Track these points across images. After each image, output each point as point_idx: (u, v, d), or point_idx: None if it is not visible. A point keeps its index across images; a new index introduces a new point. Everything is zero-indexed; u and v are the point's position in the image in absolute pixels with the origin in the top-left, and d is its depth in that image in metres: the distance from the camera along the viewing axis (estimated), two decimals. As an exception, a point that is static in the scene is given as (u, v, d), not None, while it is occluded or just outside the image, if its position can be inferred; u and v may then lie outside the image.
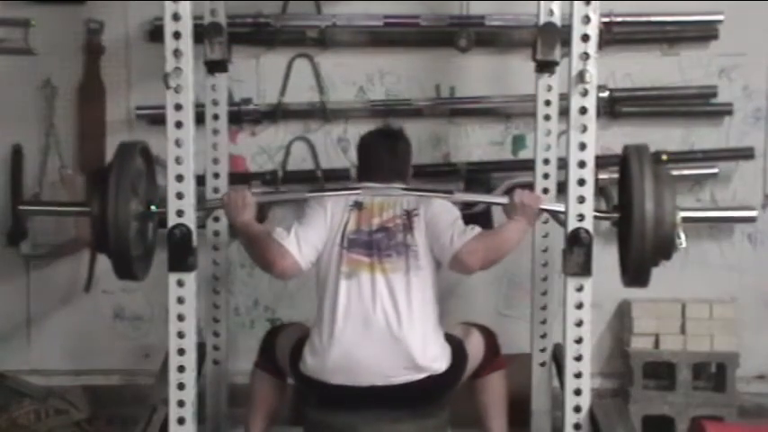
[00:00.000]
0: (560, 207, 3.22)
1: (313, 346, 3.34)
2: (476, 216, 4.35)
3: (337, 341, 3.29)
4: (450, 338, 3.42)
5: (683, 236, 3.12)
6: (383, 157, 3.57)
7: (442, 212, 3.42)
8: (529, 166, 4.07)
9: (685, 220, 3.14)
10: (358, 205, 3.44)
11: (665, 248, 3.13)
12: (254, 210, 3.42)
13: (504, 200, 3.43)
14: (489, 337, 3.60)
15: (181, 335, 3.11)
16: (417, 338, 3.29)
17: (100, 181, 3.16)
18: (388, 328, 3.28)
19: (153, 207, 3.28)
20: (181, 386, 3.12)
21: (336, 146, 4.50)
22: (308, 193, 3.67)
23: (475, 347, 3.51)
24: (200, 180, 3.72)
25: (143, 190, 3.26)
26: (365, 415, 3.32)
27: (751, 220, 4.35)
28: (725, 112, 4.47)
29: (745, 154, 4.45)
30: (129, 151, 3.23)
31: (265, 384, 3.59)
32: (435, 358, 3.33)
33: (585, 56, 3.05)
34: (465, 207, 4.34)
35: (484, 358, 3.55)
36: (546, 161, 3.97)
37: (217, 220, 4.05)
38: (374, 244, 3.37)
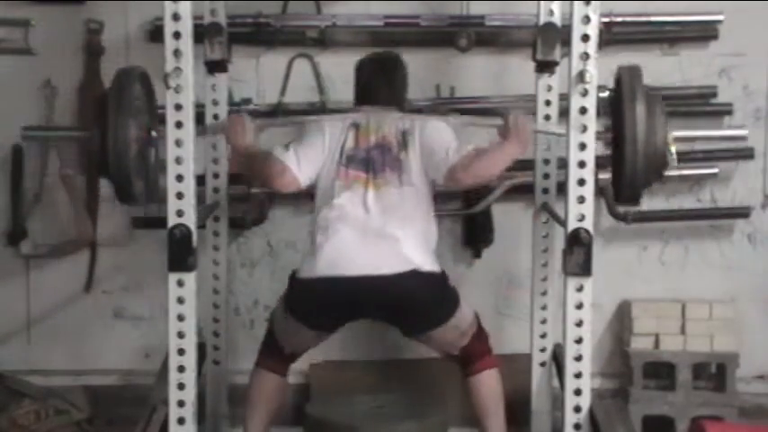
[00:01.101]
0: (554, 128, 3.25)
1: (308, 252, 3.47)
2: (476, 216, 4.37)
3: (331, 239, 3.40)
4: (447, 277, 3.51)
5: (674, 153, 3.15)
6: (379, 85, 3.65)
7: (436, 132, 3.51)
8: (529, 166, 4.07)
9: (677, 139, 3.19)
10: (355, 125, 3.53)
11: (657, 165, 3.15)
12: (254, 133, 3.50)
13: (499, 121, 3.47)
14: (483, 333, 3.62)
15: (181, 335, 3.12)
16: (407, 237, 3.40)
17: (99, 106, 3.17)
18: (380, 228, 3.39)
19: (153, 132, 3.29)
20: (181, 386, 3.12)
21: (336, 146, 4.49)
22: (307, 117, 3.72)
23: (468, 319, 3.55)
24: (201, 180, 3.72)
25: (143, 115, 3.28)
26: (365, 414, 3.33)
27: (744, 214, 4.36)
28: (725, 112, 4.47)
29: (745, 154, 4.45)
30: (128, 77, 3.26)
31: (266, 384, 3.59)
32: (423, 257, 3.41)
33: (585, 56, 3.05)
34: (465, 207, 4.37)
35: (472, 346, 3.55)
36: (546, 161, 3.98)
37: (217, 220, 4.05)
38: (370, 160, 3.47)
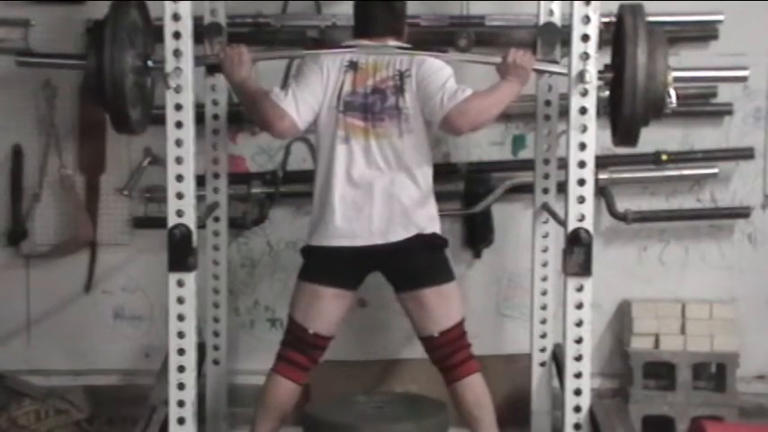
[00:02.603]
0: (554, 67, 3.23)
1: (315, 217, 3.50)
2: (476, 216, 4.37)
3: (337, 207, 3.43)
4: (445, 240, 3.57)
5: (673, 94, 3.15)
6: (378, 13, 3.61)
7: (433, 72, 3.47)
8: (529, 166, 4.07)
9: (676, 79, 3.19)
10: (353, 65, 3.50)
11: (656, 104, 3.16)
12: (251, 66, 3.49)
13: (497, 60, 3.45)
14: (466, 335, 3.56)
15: (181, 335, 3.12)
16: (411, 197, 3.44)
17: (95, 33, 3.17)
18: (385, 189, 3.42)
19: (150, 62, 3.28)
20: (181, 386, 3.12)
21: (336, 146, 4.49)
22: (305, 51, 3.70)
23: (458, 302, 3.57)
24: (201, 180, 3.72)
25: (140, 44, 3.29)
26: (365, 414, 3.33)
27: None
28: (725, 112, 4.47)
29: (745, 154, 4.45)
30: (124, 5, 3.26)
31: (281, 391, 3.52)
32: (427, 219, 3.48)
33: (585, 56, 3.05)
34: (465, 207, 4.37)
35: (454, 331, 3.51)
36: (546, 161, 3.98)
37: (217, 220, 4.05)
38: (368, 107, 3.47)
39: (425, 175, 3.51)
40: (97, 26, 3.25)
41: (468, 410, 3.52)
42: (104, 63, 3.14)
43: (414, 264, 3.48)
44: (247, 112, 3.58)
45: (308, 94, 3.46)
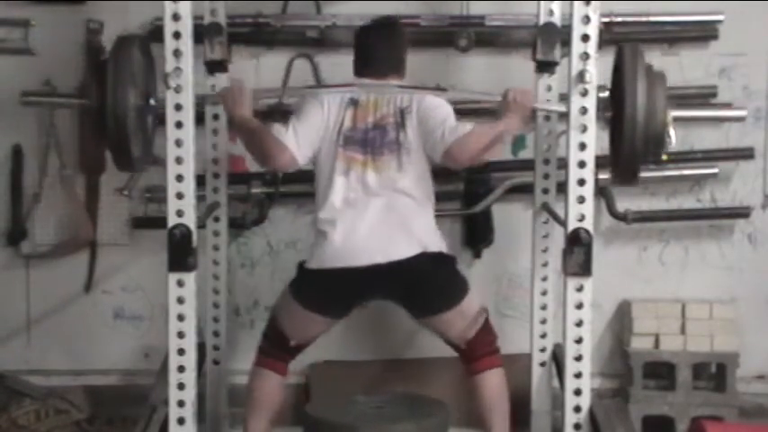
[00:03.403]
0: (555, 107, 3.24)
1: (315, 240, 3.47)
2: (476, 216, 4.37)
3: (337, 227, 3.40)
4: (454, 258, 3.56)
5: (673, 133, 3.15)
6: (378, 50, 3.64)
7: (434, 108, 3.49)
8: (529, 166, 4.07)
9: (676, 118, 3.19)
10: (354, 102, 3.52)
11: (656, 143, 3.16)
12: (252, 103, 3.49)
13: (497, 97, 3.47)
14: (492, 330, 3.62)
15: (181, 335, 3.12)
16: (411, 215, 3.43)
17: (98, 71, 3.17)
18: (383, 207, 3.41)
19: (152, 100, 3.29)
20: (181, 386, 3.12)
21: (336, 146, 4.49)
22: (306, 88, 3.71)
23: (476, 309, 3.57)
24: (201, 180, 3.72)
25: (142, 82, 3.28)
26: (365, 414, 3.33)
27: (744, 214, 4.34)
28: (725, 111, 4.47)
29: (745, 154, 4.45)
30: (127, 43, 3.26)
31: (266, 383, 3.59)
32: (429, 236, 3.45)
33: (585, 56, 3.06)
34: (465, 207, 4.37)
35: (480, 336, 3.55)
36: (546, 161, 3.98)
37: (217, 220, 4.05)
38: (368, 142, 3.47)
39: (426, 199, 3.50)
40: (100, 64, 3.26)
41: (486, 404, 3.56)
42: (107, 101, 3.14)
43: (427, 289, 3.46)
44: (247, 148, 3.57)
45: (308, 130, 3.48)
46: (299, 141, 3.46)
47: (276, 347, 3.59)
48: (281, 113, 4.41)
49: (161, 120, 3.18)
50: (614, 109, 3.22)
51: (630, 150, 3.13)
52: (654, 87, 3.14)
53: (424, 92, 3.54)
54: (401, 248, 3.38)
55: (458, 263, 3.57)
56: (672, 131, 3.17)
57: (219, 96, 3.53)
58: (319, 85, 3.87)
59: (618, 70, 3.23)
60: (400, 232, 3.40)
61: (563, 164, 3.35)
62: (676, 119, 3.19)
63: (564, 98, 3.36)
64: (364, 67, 3.64)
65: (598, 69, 3.10)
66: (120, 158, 3.25)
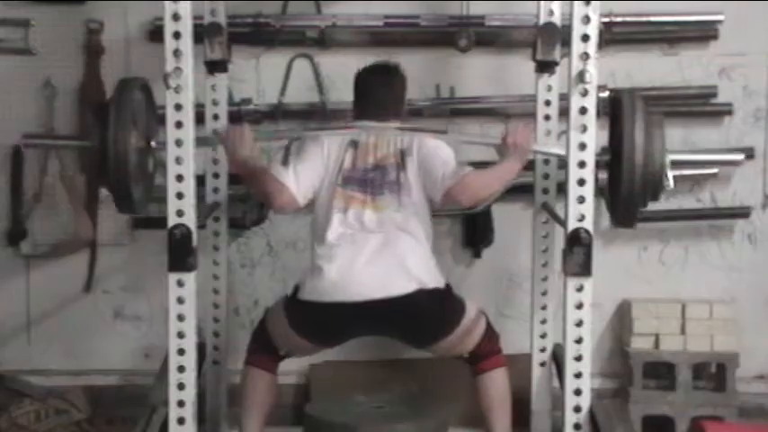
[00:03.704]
0: (553, 149, 3.25)
1: (310, 272, 3.45)
2: (476, 216, 4.36)
3: (333, 261, 3.39)
4: (451, 288, 3.53)
5: (671, 176, 3.16)
6: (379, 93, 3.65)
7: (434, 150, 3.51)
8: (529, 166, 4.06)
9: (674, 162, 3.18)
10: (354, 144, 3.53)
11: (653, 187, 3.16)
12: (253, 145, 3.48)
13: (497, 140, 3.48)
14: (493, 332, 3.64)
15: (181, 335, 3.11)
16: (409, 253, 3.41)
17: (100, 114, 3.17)
18: (381, 244, 3.40)
19: (153, 143, 3.29)
20: (181, 386, 3.12)
21: (336, 146, 4.49)
22: (306, 131, 3.72)
23: (476, 321, 3.56)
24: (201, 180, 3.72)
25: (143, 125, 3.29)
26: (365, 414, 3.33)
27: (744, 214, 4.35)
28: (725, 112, 4.47)
29: (745, 154, 4.44)
30: (129, 86, 3.26)
31: (259, 383, 3.59)
32: (427, 273, 3.42)
33: (585, 56, 3.05)
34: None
35: (482, 345, 3.56)
36: (546, 161, 3.98)
37: (217, 220, 4.05)
38: (368, 182, 3.48)
39: (425, 237, 3.49)
40: (102, 106, 3.26)
41: (489, 403, 3.57)
42: (108, 143, 3.13)
43: (424, 325, 3.46)
44: (248, 188, 3.61)
45: (308, 170, 3.49)
46: (298, 182, 3.46)
47: (265, 352, 3.60)
48: (282, 114, 4.44)
49: (162, 162, 3.19)
50: (612, 153, 3.23)
51: (629, 194, 3.14)
52: (652, 131, 3.14)
53: (424, 134, 3.55)
54: (398, 285, 3.37)
55: (451, 288, 3.54)
56: (670, 175, 3.17)
57: (221, 138, 3.54)
58: (320, 128, 3.90)
59: (616, 114, 3.23)
60: (397, 269, 3.38)
61: (563, 164, 3.35)
62: (674, 162, 3.20)
63: (564, 98, 3.36)
64: (364, 110, 3.65)
65: (598, 69, 3.10)
66: (121, 201, 3.23)
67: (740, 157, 3.83)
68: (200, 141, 3.39)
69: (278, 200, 3.46)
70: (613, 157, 3.22)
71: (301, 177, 3.48)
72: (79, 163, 4.36)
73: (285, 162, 3.53)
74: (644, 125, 3.12)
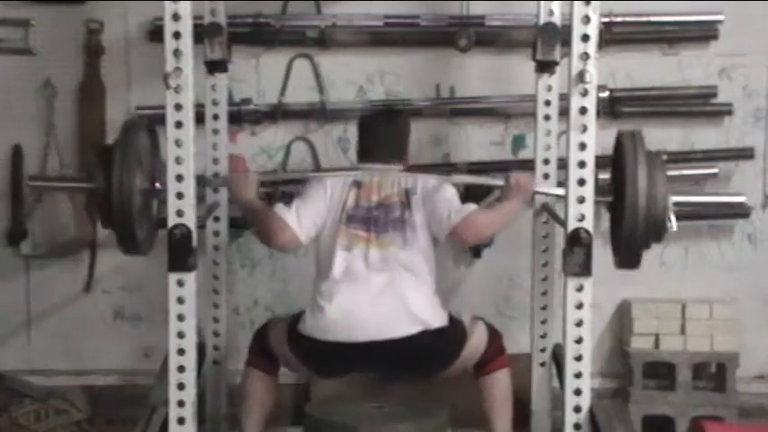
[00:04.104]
0: (554, 190, 3.26)
1: (315, 305, 3.42)
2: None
3: (335, 299, 3.37)
4: (453, 317, 3.49)
5: (673, 219, 3.16)
6: (382, 137, 3.64)
7: (438, 190, 3.52)
8: (529, 166, 4.06)
9: (676, 204, 3.18)
10: (357, 183, 3.53)
11: (656, 230, 3.17)
12: (257, 188, 3.51)
13: (500, 182, 3.52)
14: (495, 333, 3.63)
15: (181, 335, 3.11)
16: (414, 294, 3.39)
17: (105, 156, 3.18)
18: (385, 284, 3.38)
19: (157, 184, 3.29)
20: (181, 386, 3.12)
21: (336, 146, 4.50)
22: (310, 173, 3.73)
23: (477, 337, 3.55)
24: (201, 180, 3.72)
25: (147, 166, 3.29)
26: (365, 412, 3.33)
27: (742, 208, 4.34)
28: (725, 112, 4.47)
29: (745, 154, 4.45)
30: (134, 127, 3.27)
31: (258, 384, 3.60)
32: (432, 314, 3.40)
33: (585, 56, 3.05)
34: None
35: (487, 350, 3.56)
36: (546, 161, 3.97)
37: (217, 219, 4.05)
38: (372, 220, 3.47)
39: (429, 274, 3.47)
40: (107, 148, 3.27)
41: (491, 404, 3.57)
42: (113, 186, 3.13)
43: (429, 364, 3.46)
44: (251, 227, 3.63)
45: (310, 210, 3.48)
46: (300, 221, 3.46)
47: (266, 357, 3.60)
48: (282, 114, 4.44)
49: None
50: (615, 194, 3.24)
51: (631, 236, 3.14)
52: (654, 173, 3.15)
53: (428, 176, 3.58)
54: (401, 327, 3.35)
55: (454, 319, 3.50)
56: (673, 217, 3.18)
57: (225, 181, 3.55)
58: (323, 170, 3.92)
59: (618, 156, 3.23)
60: (401, 311, 3.36)
61: (563, 164, 3.35)
62: (677, 204, 3.20)
63: (564, 98, 3.36)
64: (367, 154, 3.65)
65: (598, 69, 3.10)
66: (125, 242, 3.22)
67: (742, 199, 3.80)
68: (204, 182, 3.41)
69: (279, 238, 3.45)
70: (616, 200, 3.23)
71: (303, 216, 3.46)
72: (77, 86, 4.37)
73: (288, 203, 3.50)
74: (646, 169, 3.12)
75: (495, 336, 3.62)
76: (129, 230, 3.17)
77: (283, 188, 4.36)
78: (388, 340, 3.34)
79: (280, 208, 3.49)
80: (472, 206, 3.48)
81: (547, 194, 3.57)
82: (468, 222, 3.42)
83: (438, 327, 3.40)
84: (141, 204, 3.21)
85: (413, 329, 3.35)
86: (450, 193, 3.52)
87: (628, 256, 3.23)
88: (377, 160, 3.60)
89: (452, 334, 3.46)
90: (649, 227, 3.15)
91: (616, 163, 3.27)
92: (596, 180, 3.66)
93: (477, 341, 3.54)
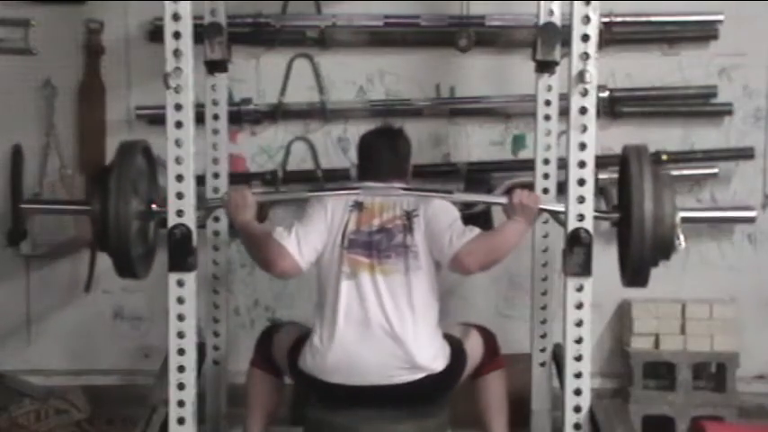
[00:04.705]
0: (560, 207, 3.23)
1: (313, 346, 3.36)
2: (476, 216, 4.36)
3: (338, 341, 3.31)
4: (449, 338, 3.44)
5: (682, 236, 3.13)
6: (383, 156, 3.58)
7: (441, 213, 3.43)
8: (529, 166, 4.07)
9: (685, 220, 3.15)
10: (358, 206, 3.45)
11: (664, 248, 3.13)
12: (255, 209, 3.44)
13: (504, 200, 3.43)
14: (488, 337, 3.61)
15: (181, 335, 3.11)
16: (417, 338, 3.32)
17: (101, 180, 3.17)
18: (388, 328, 3.30)
19: (154, 206, 3.29)
20: (181, 386, 3.12)
21: (336, 146, 4.50)
22: (309, 193, 3.69)
23: (474, 348, 3.53)
24: (200, 180, 3.72)
25: (144, 189, 3.27)
26: (365, 414, 3.32)
27: (750, 220, 4.33)
28: (725, 112, 4.47)
29: (745, 154, 4.45)
30: (131, 150, 3.24)
31: (262, 384, 3.60)
32: (435, 358, 3.35)
33: (585, 56, 3.05)
34: (465, 207, 4.36)
35: (483, 358, 3.56)
36: (546, 161, 3.97)
37: (217, 220, 4.05)
38: (374, 245, 3.39)
39: (433, 313, 3.42)
40: (103, 171, 3.25)
41: (487, 405, 3.57)
42: (109, 210, 3.11)
43: (433, 400, 3.40)
44: (249, 252, 3.53)
45: (311, 234, 3.39)
46: (300, 247, 3.36)
47: (269, 360, 3.59)
48: (282, 114, 4.44)
49: (163, 224, 3.16)
50: (622, 212, 3.22)
51: (639, 255, 3.10)
52: (661, 191, 3.10)
53: (429, 195, 3.51)
54: (403, 375, 3.31)
55: (455, 345, 3.45)
56: (681, 234, 3.15)
57: (223, 202, 3.49)
58: (323, 190, 3.87)
59: (624, 173, 3.20)
60: (403, 359, 3.30)
61: (563, 164, 3.34)
62: (685, 220, 3.17)
63: (564, 98, 3.36)
64: (368, 172, 3.58)
65: (598, 69, 3.10)
66: (121, 265, 3.21)
67: (752, 213, 3.74)
68: (203, 202, 3.41)
69: (279, 266, 3.36)
70: (623, 218, 3.20)
71: (303, 241, 3.37)
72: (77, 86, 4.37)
73: (288, 228, 3.45)
74: (653, 187, 3.08)
75: (489, 339, 3.61)
76: (125, 255, 3.16)
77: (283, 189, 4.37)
78: (390, 385, 3.30)
79: (279, 233, 3.38)
80: (475, 230, 3.38)
81: (552, 212, 3.49)
82: (469, 249, 3.33)
83: (440, 370, 3.35)
84: (138, 228, 3.21)
85: (415, 376, 3.31)
86: (452, 217, 3.43)
87: (636, 275, 3.20)
88: (378, 179, 3.53)
89: (455, 370, 3.42)
90: (657, 246, 3.10)
91: (622, 180, 3.24)
92: (605, 195, 3.67)
93: (474, 354, 3.52)
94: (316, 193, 3.62)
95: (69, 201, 4.14)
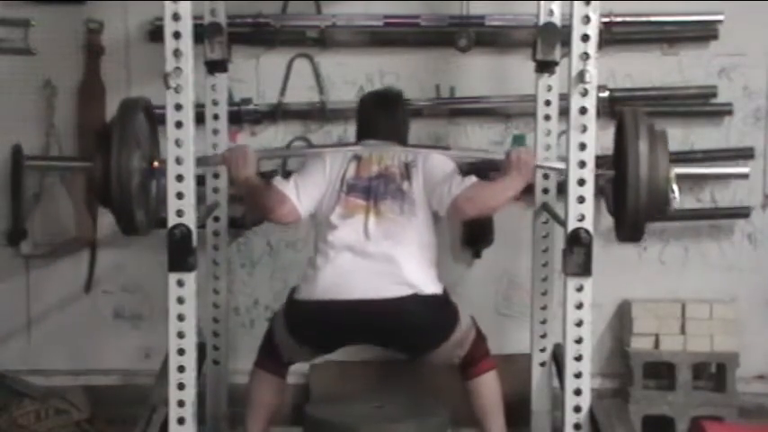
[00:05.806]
0: (556, 164, 3.27)
1: (307, 276, 3.47)
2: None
3: (330, 264, 3.41)
4: (448, 294, 3.52)
5: (676, 190, 3.16)
6: (382, 119, 3.67)
7: (439, 165, 3.54)
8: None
9: (679, 176, 3.18)
10: (357, 158, 3.55)
11: (659, 203, 3.16)
12: (255, 165, 3.48)
13: (501, 156, 3.50)
14: (480, 334, 3.66)
15: (181, 335, 3.11)
16: (409, 261, 3.41)
17: (103, 135, 3.17)
18: (380, 251, 3.40)
19: (156, 163, 3.29)
20: (181, 386, 3.12)
21: (336, 146, 4.50)
22: (309, 149, 3.74)
23: (466, 327, 3.57)
24: (201, 180, 3.72)
25: (146, 146, 3.29)
26: (365, 414, 3.33)
27: (744, 176, 4.32)
28: (725, 112, 4.47)
29: (745, 154, 4.45)
30: (132, 107, 3.27)
31: (265, 385, 3.62)
32: (425, 281, 3.43)
33: (585, 56, 3.05)
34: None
35: (472, 349, 3.58)
36: (546, 161, 3.97)
37: (217, 219, 4.05)
38: (372, 189, 3.49)
39: (427, 254, 3.49)
40: (104, 128, 3.26)
41: (483, 407, 3.60)
42: (111, 166, 3.13)
43: (417, 332, 3.45)
44: (249, 205, 3.63)
45: (309, 183, 3.51)
46: (299, 194, 3.48)
47: (273, 359, 3.63)
48: (282, 114, 4.44)
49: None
50: (617, 169, 3.24)
51: (635, 209, 3.13)
52: (655, 146, 3.15)
53: (427, 150, 3.59)
54: (392, 289, 3.37)
55: (448, 295, 3.53)
56: (675, 188, 3.17)
57: (223, 159, 3.52)
58: (322, 146, 3.90)
59: (619, 132, 3.25)
60: (393, 275, 3.38)
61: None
62: (679, 176, 3.19)
63: (564, 98, 3.36)
64: (366, 133, 3.68)
65: (598, 69, 3.10)
66: (124, 222, 3.23)
67: (746, 170, 3.77)
68: (202, 161, 3.39)
69: (279, 210, 3.46)
70: (618, 174, 3.23)
71: (302, 190, 3.49)
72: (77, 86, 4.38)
73: (287, 177, 3.50)
74: (647, 142, 3.12)
75: (481, 337, 3.65)
76: (127, 210, 3.18)
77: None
78: (378, 299, 3.35)
79: (279, 181, 3.50)
80: (473, 178, 3.48)
81: (548, 168, 3.54)
82: (468, 195, 3.43)
83: (430, 293, 3.42)
84: (140, 184, 3.22)
85: (403, 292, 3.37)
86: (450, 168, 3.53)
87: (631, 229, 3.22)
88: (376, 138, 3.63)
89: (444, 306, 3.48)
90: (652, 198, 3.14)
91: (618, 137, 3.27)
92: (605, 195, 3.68)
93: (466, 334, 3.57)
94: (316, 149, 3.67)
95: (73, 157, 4.14)
